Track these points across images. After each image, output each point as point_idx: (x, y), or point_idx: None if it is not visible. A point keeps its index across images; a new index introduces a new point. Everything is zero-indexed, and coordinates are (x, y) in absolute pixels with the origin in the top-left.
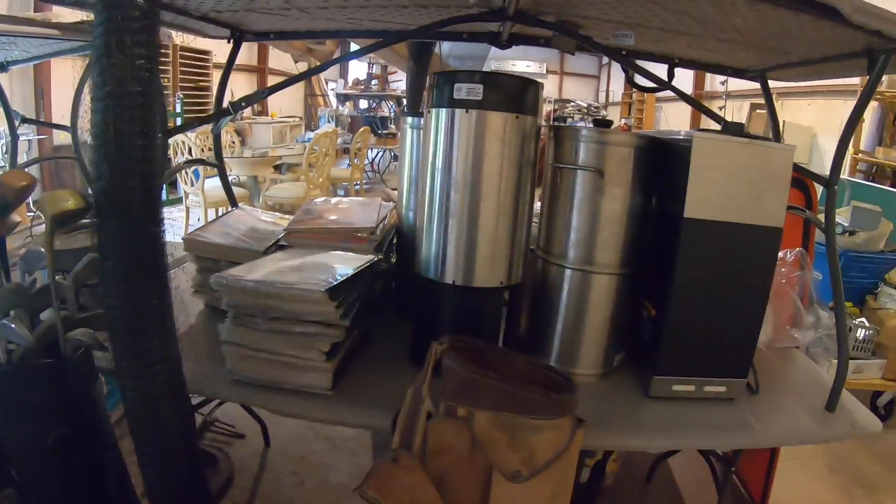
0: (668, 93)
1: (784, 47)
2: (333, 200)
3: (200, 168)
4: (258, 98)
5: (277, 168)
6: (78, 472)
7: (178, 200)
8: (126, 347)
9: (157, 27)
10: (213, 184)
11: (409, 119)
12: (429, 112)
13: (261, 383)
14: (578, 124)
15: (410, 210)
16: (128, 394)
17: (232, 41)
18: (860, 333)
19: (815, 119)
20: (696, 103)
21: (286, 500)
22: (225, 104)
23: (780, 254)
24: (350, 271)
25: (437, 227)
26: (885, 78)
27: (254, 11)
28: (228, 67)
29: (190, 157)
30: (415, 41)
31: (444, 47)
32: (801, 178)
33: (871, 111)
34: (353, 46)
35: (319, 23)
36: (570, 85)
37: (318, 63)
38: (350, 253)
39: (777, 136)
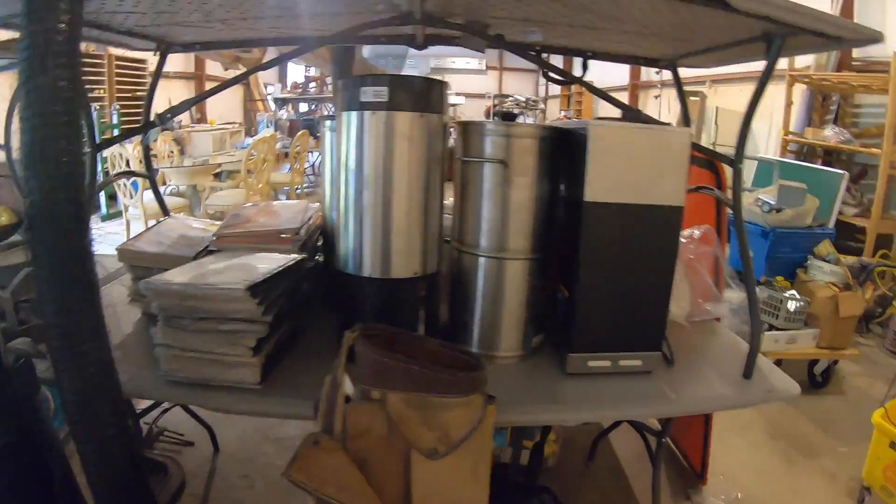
0: (607, 83)
1: (686, 36)
2: (262, 205)
3: (140, 180)
4: (185, 108)
5: (218, 176)
6: (24, 477)
7: (119, 214)
8: (62, 351)
9: (78, 47)
10: (153, 195)
11: (327, 122)
12: (340, 115)
13: (194, 382)
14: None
15: (333, 210)
16: (66, 396)
17: (159, 54)
18: (791, 305)
19: (747, 104)
20: (603, 94)
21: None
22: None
23: (689, 231)
24: (271, 270)
25: (352, 224)
26: (811, 61)
27: (177, 25)
28: (155, 79)
29: (126, 169)
30: (336, 45)
31: (366, 49)
32: (710, 159)
33: (800, 93)
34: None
35: (241, 32)
36: (510, 80)
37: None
38: (275, 254)
39: (686, 121)
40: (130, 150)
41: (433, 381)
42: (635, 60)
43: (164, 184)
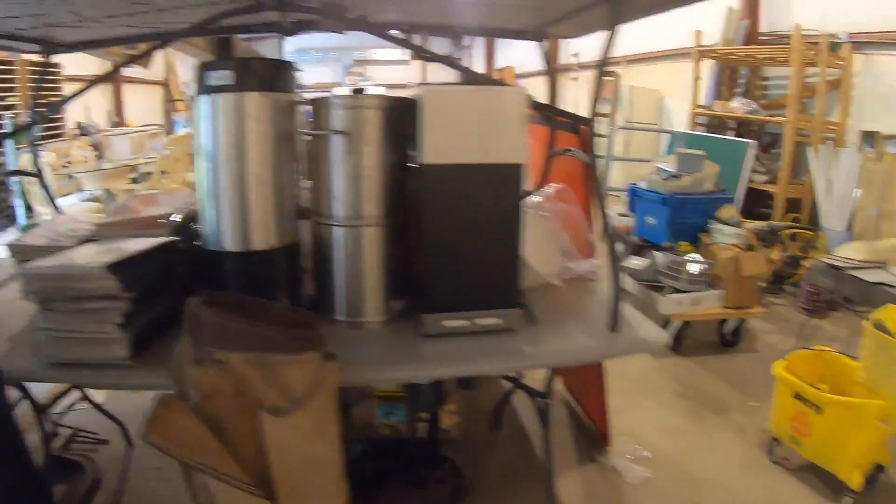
0: (528, 68)
1: (542, 3)
2: (149, 195)
3: (54, 187)
4: (56, 109)
5: (135, 179)
6: None
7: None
8: None
9: None
10: (68, 202)
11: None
12: (194, 100)
13: (73, 362)
14: None
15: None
16: None
17: (46, 55)
18: (693, 268)
19: (661, 82)
20: (478, 75)
21: (152, 496)
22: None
23: (543, 190)
24: (135, 251)
25: (212, 203)
26: (718, 37)
27: (54, 26)
28: (42, 82)
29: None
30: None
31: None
32: (574, 123)
33: (709, 68)
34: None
35: (116, 30)
36: (434, 69)
37: (145, 68)
38: (148, 238)
39: (553, 99)
40: (45, 157)
41: (272, 341)
42: (504, 33)
43: (80, 190)
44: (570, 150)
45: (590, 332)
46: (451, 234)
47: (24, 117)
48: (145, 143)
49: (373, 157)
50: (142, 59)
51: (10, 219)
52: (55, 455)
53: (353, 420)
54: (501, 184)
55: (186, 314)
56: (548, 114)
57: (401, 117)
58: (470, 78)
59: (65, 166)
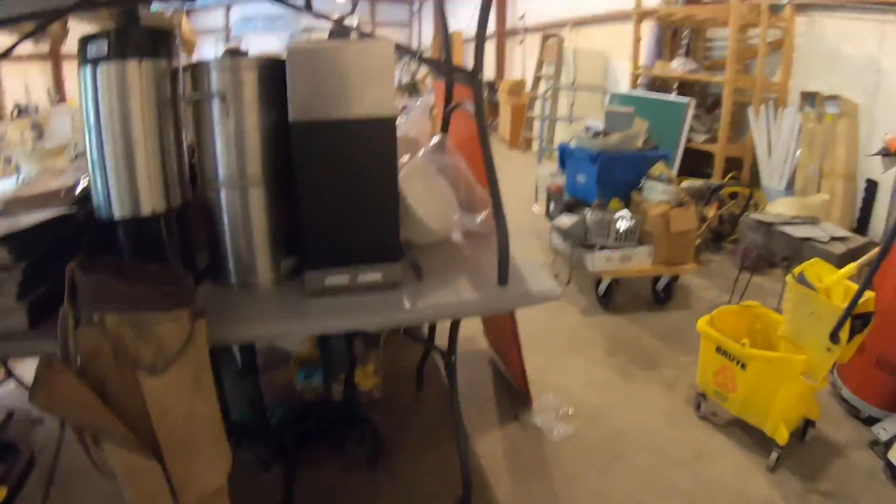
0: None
1: None
2: (60, 167)
3: None
4: None
5: (77, 158)
6: None
7: None
8: None
9: None
10: (6, 185)
11: None
12: (78, 74)
13: None
14: None
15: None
16: None
17: None
18: (621, 225)
19: (607, 45)
20: (348, 29)
21: (87, 470)
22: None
23: (427, 143)
24: (26, 223)
25: (100, 172)
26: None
27: None
28: None
29: None
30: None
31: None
32: (468, 76)
33: (649, 29)
34: None
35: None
36: (384, 34)
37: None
38: (49, 209)
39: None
40: None
41: (139, 299)
42: None
43: (17, 171)
44: (460, 105)
45: (478, 286)
46: (327, 190)
47: None
48: None
49: (252, 118)
50: (39, 34)
51: None
52: None
53: (274, 384)
54: (374, 138)
55: (66, 278)
56: (439, 67)
57: (279, 77)
58: (340, 32)
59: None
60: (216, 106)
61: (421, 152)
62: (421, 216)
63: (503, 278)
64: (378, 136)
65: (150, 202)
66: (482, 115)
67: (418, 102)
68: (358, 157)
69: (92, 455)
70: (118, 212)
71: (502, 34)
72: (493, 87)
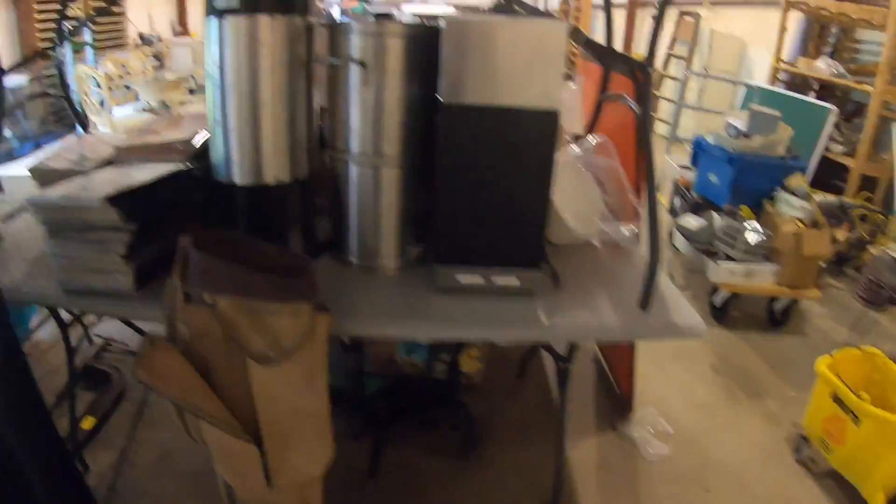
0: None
1: None
2: (175, 116)
3: (107, 96)
4: (104, 13)
5: (193, 91)
6: None
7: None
8: None
9: None
10: (124, 113)
11: None
12: (204, 22)
13: (82, 290)
14: None
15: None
16: None
17: None
18: (751, 237)
19: (747, 30)
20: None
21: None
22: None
23: (587, 140)
24: (142, 180)
25: (220, 131)
26: None
27: None
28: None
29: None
30: None
31: None
32: (632, 66)
33: (796, 21)
34: None
35: None
36: None
37: None
38: (162, 164)
39: (609, 39)
40: (108, 66)
41: (263, 287)
42: None
43: (137, 100)
44: (621, 97)
45: (617, 307)
46: (471, 182)
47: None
48: None
49: (394, 91)
50: None
51: (71, 127)
52: (86, 364)
53: (375, 353)
54: (532, 131)
55: (178, 252)
56: (601, 53)
57: (430, 48)
58: (506, 7)
59: (122, 77)
60: (355, 73)
61: (575, 146)
62: (564, 214)
63: (646, 303)
64: (537, 131)
65: (274, 171)
66: (647, 117)
67: (572, 85)
68: (511, 151)
69: (189, 427)
70: (238, 177)
71: (634, 3)
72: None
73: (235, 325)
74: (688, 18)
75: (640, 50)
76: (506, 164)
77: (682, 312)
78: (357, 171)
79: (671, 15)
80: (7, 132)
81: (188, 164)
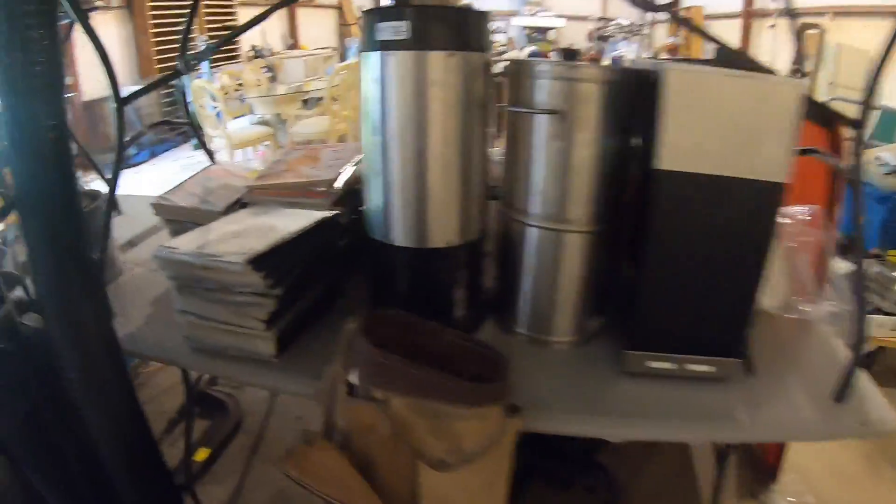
0: (717, 9)
1: None
2: (310, 149)
3: (223, 109)
4: (208, 54)
5: (306, 104)
6: (49, 438)
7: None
8: (62, 329)
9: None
10: (239, 125)
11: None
12: (360, 56)
13: (214, 350)
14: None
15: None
16: (71, 374)
17: None
18: None
19: (874, 43)
20: (689, 24)
21: (290, 445)
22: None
23: (793, 210)
24: (285, 236)
25: (379, 183)
26: None
27: None
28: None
29: (214, 104)
30: None
31: None
32: (827, 116)
33: None
34: None
35: None
36: (614, 2)
37: None
38: (305, 210)
39: (800, 61)
40: (223, 79)
41: (447, 388)
42: None
43: (251, 112)
44: (818, 153)
45: (810, 398)
46: (681, 259)
47: (200, 43)
48: (319, 67)
49: (588, 146)
50: None
51: (185, 136)
52: (201, 391)
53: None
54: (755, 206)
55: (342, 339)
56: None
57: (626, 95)
58: (725, 55)
59: (237, 89)
60: (543, 122)
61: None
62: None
63: (842, 395)
64: (759, 205)
65: (443, 234)
66: (858, 181)
67: None
68: (728, 226)
69: None
70: (399, 239)
71: (750, 14)
72: None
73: (410, 427)
74: (811, 31)
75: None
76: (722, 243)
77: (874, 403)
78: (536, 233)
79: (786, 25)
80: (125, 138)
81: (334, 210)
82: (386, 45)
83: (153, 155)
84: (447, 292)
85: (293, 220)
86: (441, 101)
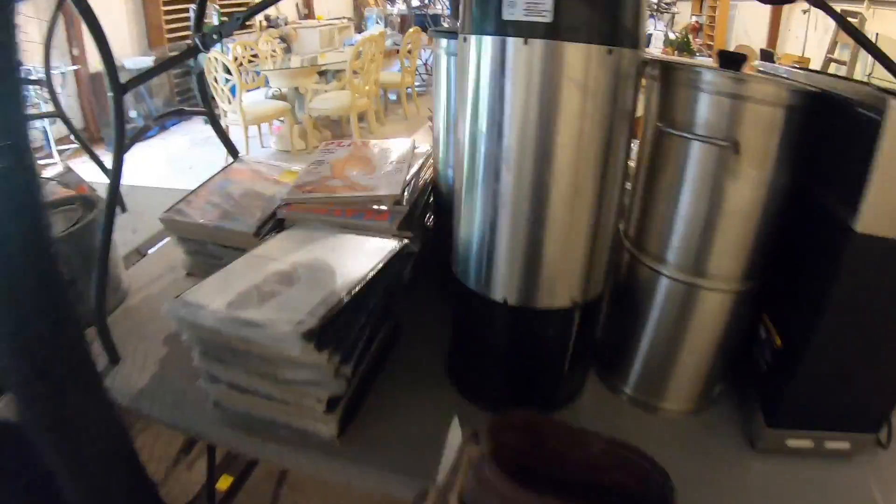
0: None
1: None
2: (355, 148)
3: (237, 82)
4: (233, 27)
5: (323, 75)
6: None
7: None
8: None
9: None
10: (252, 98)
11: (444, 41)
12: (465, 39)
13: (253, 426)
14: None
15: (449, 167)
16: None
17: None
18: None
19: None
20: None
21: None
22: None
23: None
24: (354, 283)
25: (479, 217)
26: None
27: None
28: None
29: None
30: None
31: None
32: None
33: None
34: None
35: None
36: None
37: None
38: (369, 236)
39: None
40: (235, 50)
41: None
42: None
43: (266, 85)
44: None
45: None
46: (861, 336)
47: (212, 13)
48: (334, 37)
49: (757, 187)
50: None
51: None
52: None
53: None
54: None
55: (459, 460)
56: None
57: (805, 125)
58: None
59: (251, 60)
60: (699, 153)
61: None
62: None
63: None
64: None
65: (562, 294)
66: None
67: None
68: None
69: None
70: (500, 293)
71: None
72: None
73: None
74: (851, 19)
75: (786, 48)
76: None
77: None
78: (667, 285)
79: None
80: (133, 112)
81: (404, 236)
82: (513, 28)
83: (164, 129)
84: (556, 358)
85: (355, 256)
86: (580, 114)
